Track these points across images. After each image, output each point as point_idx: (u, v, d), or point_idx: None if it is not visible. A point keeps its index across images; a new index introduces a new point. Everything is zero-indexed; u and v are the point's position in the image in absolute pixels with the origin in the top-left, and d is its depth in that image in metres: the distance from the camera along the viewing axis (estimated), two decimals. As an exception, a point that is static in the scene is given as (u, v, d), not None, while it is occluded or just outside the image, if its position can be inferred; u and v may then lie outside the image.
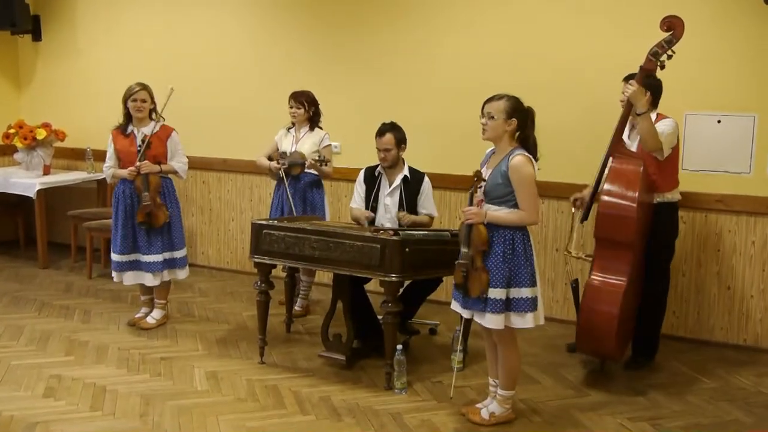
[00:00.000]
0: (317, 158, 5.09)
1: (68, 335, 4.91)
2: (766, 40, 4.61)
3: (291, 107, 5.25)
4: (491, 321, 3.45)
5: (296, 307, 5.32)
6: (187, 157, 5.07)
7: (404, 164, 4.80)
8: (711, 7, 4.74)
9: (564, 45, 5.13)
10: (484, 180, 3.47)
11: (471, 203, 3.52)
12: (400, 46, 5.74)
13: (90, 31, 7.06)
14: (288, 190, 5.15)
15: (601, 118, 4.58)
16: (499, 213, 3.46)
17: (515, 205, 3.45)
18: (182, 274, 5.08)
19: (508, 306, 3.45)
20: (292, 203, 5.14)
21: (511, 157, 3.44)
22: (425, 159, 5.16)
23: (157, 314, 5.12)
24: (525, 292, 3.45)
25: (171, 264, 4.98)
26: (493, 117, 3.47)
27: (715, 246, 4.89)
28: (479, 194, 3.52)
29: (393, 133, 4.68)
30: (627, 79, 4.27)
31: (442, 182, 5.49)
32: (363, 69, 5.89)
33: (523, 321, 3.47)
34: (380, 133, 4.70)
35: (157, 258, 4.89)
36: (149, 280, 4.93)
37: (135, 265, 4.94)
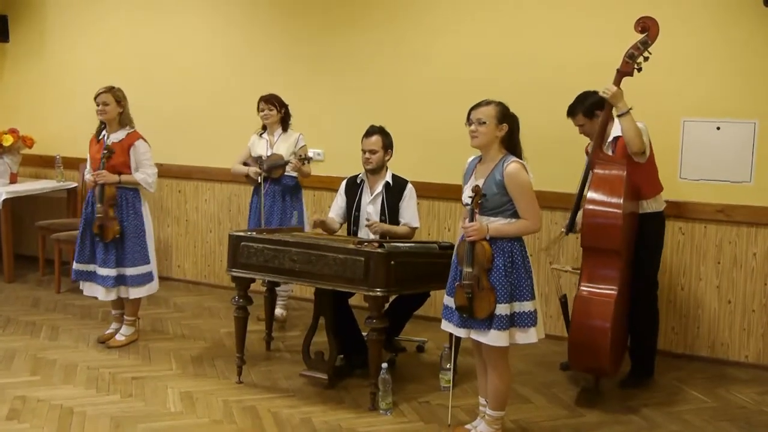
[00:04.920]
0: (300, 156, 5.14)
1: (34, 353, 4.85)
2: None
3: (262, 110, 5.35)
4: (496, 338, 3.40)
5: (277, 313, 5.32)
6: (161, 165, 5.03)
7: (387, 171, 4.79)
8: (709, 8, 4.77)
9: (555, 48, 5.17)
10: (484, 194, 3.43)
11: (472, 219, 3.44)
12: (384, 49, 5.76)
13: (61, 33, 7.05)
14: (264, 196, 5.21)
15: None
16: (500, 225, 3.44)
17: (512, 215, 3.44)
18: (135, 293, 4.94)
19: (512, 321, 3.42)
20: (262, 210, 5.16)
21: (505, 164, 3.43)
22: (411, 167, 5.16)
23: (126, 331, 5.07)
24: (527, 306, 3.43)
25: (122, 281, 4.88)
26: (484, 122, 3.46)
27: (715, 258, 4.90)
28: (479, 210, 3.47)
29: (381, 135, 4.69)
30: (570, 114, 4.39)
31: (430, 191, 5.50)
32: (346, 73, 5.90)
33: (527, 336, 3.45)
34: (368, 133, 4.71)
35: (110, 272, 4.83)
36: (101, 294, 4.90)
37: (90, 276, 4.92)
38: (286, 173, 5.28)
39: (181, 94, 6.45)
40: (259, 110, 5.36)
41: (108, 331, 5.11)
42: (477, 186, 3.45)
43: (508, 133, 3.49)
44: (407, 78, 5.70)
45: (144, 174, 4.90)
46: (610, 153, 4.28)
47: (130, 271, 4.90)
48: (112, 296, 4.91)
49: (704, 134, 4.82)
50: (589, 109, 4.32)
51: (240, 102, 6.06)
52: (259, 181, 5.23)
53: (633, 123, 4.08)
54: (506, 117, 3.48)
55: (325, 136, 5.95)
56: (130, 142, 4.84)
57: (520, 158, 3.50)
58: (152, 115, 4.96)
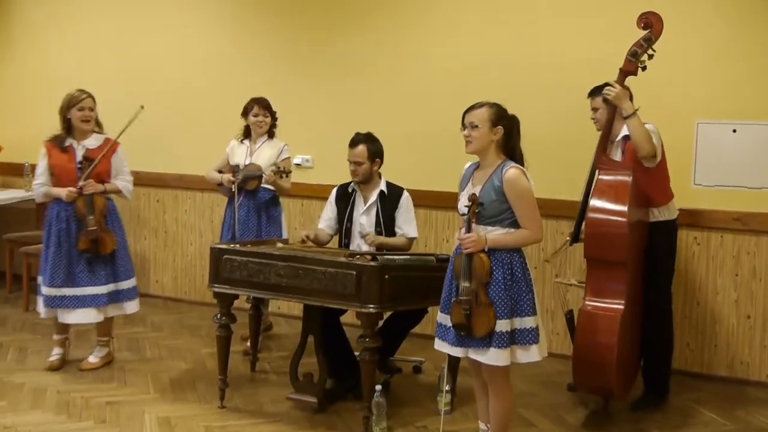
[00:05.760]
0: (277, 169, 5.11)
1: (0, 377, 4.85)
2: (785, 40, 4.71)
3: (256, 115, 5.28)
4: (496, 357, 3.40)
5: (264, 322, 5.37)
6: (138, 173, 5.05)
7: (381, 179, 4.82)
8: (722, 5, 4.83)
9: (555, 47, 5.23)
10: (482, 203, 3.45)
11: (469, 230, 3.45)
12: (378, 49, 5.81)
13: (31, 36, 7.08)
14: (237, 208, 5.17)
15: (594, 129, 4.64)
16: (499, 236, 3.44)
17: (511, 224, 3.45)
18: (131, 307, 5.03)
19: (512, 339, 3.43)
20: (236, 223, 5.16)
21: (504, 170, 3.45)
22: (406, 173, 5.19)
23: (100, 352, 5.09)
24: (528, 322, 3.43)
25: (116, 297, 4.93)
26: (477, 126, 3.47)
27: (732, 270, 4.94)
28: (475, 219, 3.48)
29: (366, 144, 4.69)
30: (592, 94, 4.37)
31: (426, 200, 5.53)
32: (336, 75, 5.96)
33: (528, 355, 3.45)
34: (353, 143, 4.73)
35: (101, 290, 4.84)
36: (92, 316, 4.86)
37: (71, 301, 4.82)
38: (262, 185, 5.22)
39: (160, 98, 6.42)
40: (249, 114, 5.30)
41: (51, 358, 5.02)
42: (474, 194, 3.46)
43: (504, 136, 3.51)
44: (401, 79, 5.75)
45: (124, 181, 4.96)
46: (619, 152, 4.31)
47: (125, 285, 4.96)
48: (101, 317, 4.90)
49: (719, 137, 4.87)
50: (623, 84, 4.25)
51: (223, 105, 6.10)
52: (233, 190, 5.20)
53: (641, 125, 4.11)
54: (501, 119, 3.49)
55: (314, 141, 5.98)
56: (112, 149, 4.88)
57: (521, 163, 3.52)
58: (125, 119, 4.95)
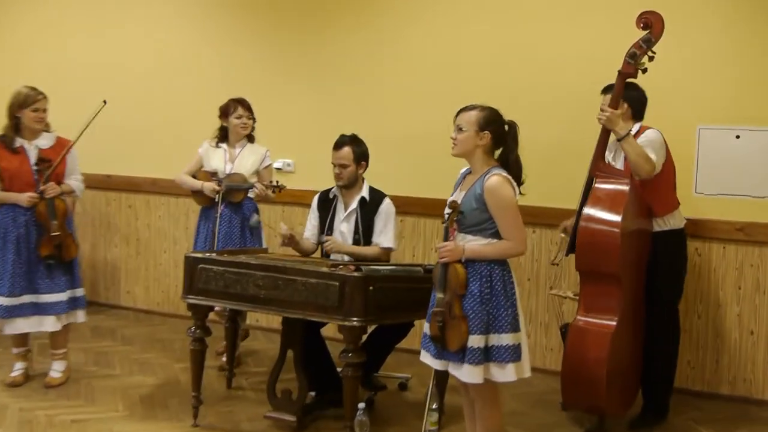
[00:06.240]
0: (270, 183, 5.08)
1: (-43, 394, 4.83)
2: (791, 42, 4.74)
3: (239, 117, 5.23)
4: (469, 374, 3.41)
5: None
6: (109, 176, 5.04)
7: (364, 184, 4.81)
8: (726, 5, 4.85)
9: (556, 46, 5.24)
10: (462, 212, 3.46)
11: (446, 238, 3.48)
12: (363, 47, 5.82)
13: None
14: (218, 219, 5.11)
15: (595, 133, 4.63)
16: (478, 246, 3.45)
17: (493, 234, 3.46)
18: (83, 316, 5.05)
19: (487, 356, 3.42)
20: (216, 238, 5.11)
21: (486, 177, 3.46)
22: (394, 180, 5.22)
23: (61, 366, 5.05)
24: (505, 339, 3.43)
25: (74, 304, 4.94)
26: (462, 129, 3.50)
27: (735, 283, 4.95)
28: (458, 228, 3.51)
29: (352, 146, 4.69)
30: (605, 91, 4.38)
31: (414, 207, 5.54)
32: (319, 74, 5.96)
33: (504, 373, 3.44)
34: (337, 145, 4.72)
35: (61, 297, 4.84)
36: (50, 324, 4.85)
37: (31, 309, 4.80)
38: (247, 196, 5.19)
39: (131, 98, 6.45)
40: (230, 115, 5.23)
41: (14, 374, 4.97)
42: (454, 201, 3.48)
43: (493, 142, 3.52)
44: (388, 80, 5.75)
45: (77, 181, 4.97)
46: (622, 157, 4.31)
47: (80, 292, 4.98)
48: (60, 325, 4.89)
49: (722, 143, 4.88)
50: (626, 94, 4.26)
51: (200, 106, 6.06)
52: (216, 200, 5.14)
53: (636, 147, 4.14)
54: (490, 124, 3.49)
55: (296, 144, 5.98)
56: (66, 148, 4.86)
57: (516, 172, 3.52)
58: (98, 119, 4.91)
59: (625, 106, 4.30)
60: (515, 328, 3.46)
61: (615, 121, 4.13)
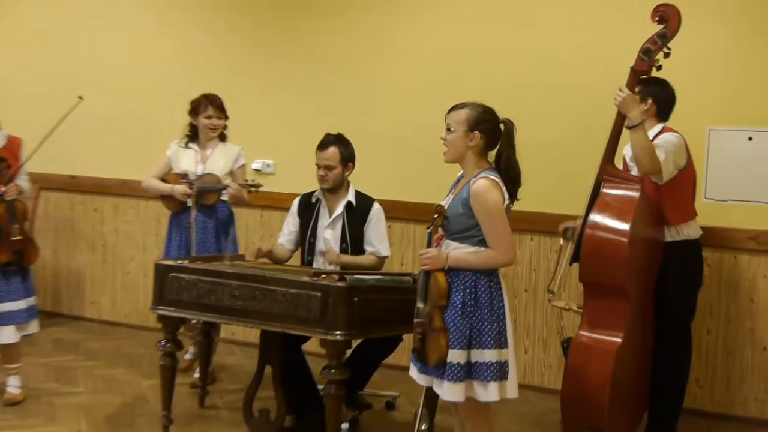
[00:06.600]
0: (245, 182, 5.05)
1: None
2: (807, 37, 4.74)
3: (209, 117, 5.20)
4: (449, 391, 3.38)
5: (186, 356, 5.40)
6: (74, 177, 5.01)
7: (350, 187, 4.79)
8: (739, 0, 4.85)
9: (558, 40, 5.23)
10: (446, 217, 3.44)
11: (429, 245, 3.47)
12: (349, 40, 5.82)
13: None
14: (192, 224, 5.08)
15: (605, 132, 4.61)
16: (462, 254, 3.43)
17: (480, 242, 3.43)
18: (36, 326, 5.03)
19: (469, 372, 3.39)
20: (193, 245, 5.07)
21: (473, 180, 3.43)
22: (381, 183, 5.22)
23: (18, 381, 5.00)
24: (488, 355, 3.38)
25: (31, 313, 4.92)
26: (451, 129, 3.48)
27: (747, 295, 4.94)
28: (440, 231, 3.50)
29: (338, 146, 4.66)
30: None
31: (402, 212, 5.55)
32: (301, 69, 5.96)
33: (485, 392, 3.39)
34: (322, 145, 4.69)
35: (20, 305, 4.82)
36: (9, 335, 4.81)
37: None
38: (220, 198, 5.15)
39: (100, 93, 6.38)
40: (200, 114, 5.19)
41: None
42: (440, 206, 3.46)
43: (485, 143, 3.49)
44: (374, 75, 5.75)
45: (24, 181, 4.94)
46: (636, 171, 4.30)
47: (34, 300, 4.95)
48: (18, 336, 4.86)
49: (733, 146, 4.89)
50: (641, 86, 4.24)
51: (172, 102, 6.02)
52: (189, 204, 5.09)
53: (645, 139, 4.11)
54: (481, 123, 3.46)
55: (276, 144, 5.98)
56: (19, 146, 4.86)
57: (512, 175, 3.49)
58: (57, 116, 4.89)
59: (650, 101, 4.29)
60: (500, 344, 3.41)
61: (630, 105, 4.08)
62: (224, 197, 5.16)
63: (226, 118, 5.25)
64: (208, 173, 5.14)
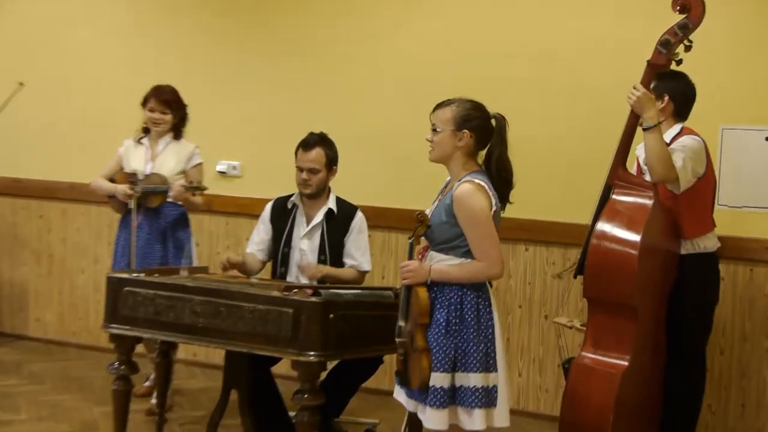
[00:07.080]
0: (190, 185, 5.01)
1: None
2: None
3: (152, 111, 5.18)
4: (432, 419, 3.38)
5: (145, 383, 5.33)
6: (18, 180, 4.96)
7: (330, 194, 4.78)
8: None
9: (558, 30, 5.26)
10: (429, 225, 3.43)
11: (411, 256, 3.47)
12: (325, 29, 5.84)
13: None
14: (135, 229, 5.04)
15: (611, 131, 4.58)
16: (446, 267, 3.43)
17: (467, 253, 3.42)
18: None
19: (453, 398, 3.38)
20: (133, 250, 5.04)
21: (456, 185, 3.42)
22: (360, 187, 5.24)
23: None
24: (474, 380, 3.37)
25: None
26: (436, 130, 3.47)
27: (764, 312, 4.96)
28: (425, 242, 3.51)
29: (324, 148, 4.66)
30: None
31: (385, 220, 5.56)
32: (273, 61, 5.99)
33: (470, 420, 3.38)
34: (306, 145, 4.67)
35: None
36: None
37: None
38: (168, 200, 5.10)
39: (47, 85, 6.42)
40: (145, 108, 5.17)
41: None
42: (421, 213, 3.46)
43: (475, 142, 3.46)
44: (353, 69, 5.77)
45: None
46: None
47: None
48: None
49: (749, 147, 4.91)
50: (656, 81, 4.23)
51: (128, 97, 5.95)
52: (130, 206, 5.05)
53: (661, 145, 4.09)
54: (468, 121, 3.45)
55: (244, 143, 5.99)
56: None
57: (505, 178, 3.49)
58: (7, 109, 4.84)
59: (666, 98, 4.27)
60: (487, 368, 3.40)
61: (646, 105, 4.06)
62: (170, 198, 5.10)
63: (176, 113, 5.20)
64: (155, 173, 5.10)
